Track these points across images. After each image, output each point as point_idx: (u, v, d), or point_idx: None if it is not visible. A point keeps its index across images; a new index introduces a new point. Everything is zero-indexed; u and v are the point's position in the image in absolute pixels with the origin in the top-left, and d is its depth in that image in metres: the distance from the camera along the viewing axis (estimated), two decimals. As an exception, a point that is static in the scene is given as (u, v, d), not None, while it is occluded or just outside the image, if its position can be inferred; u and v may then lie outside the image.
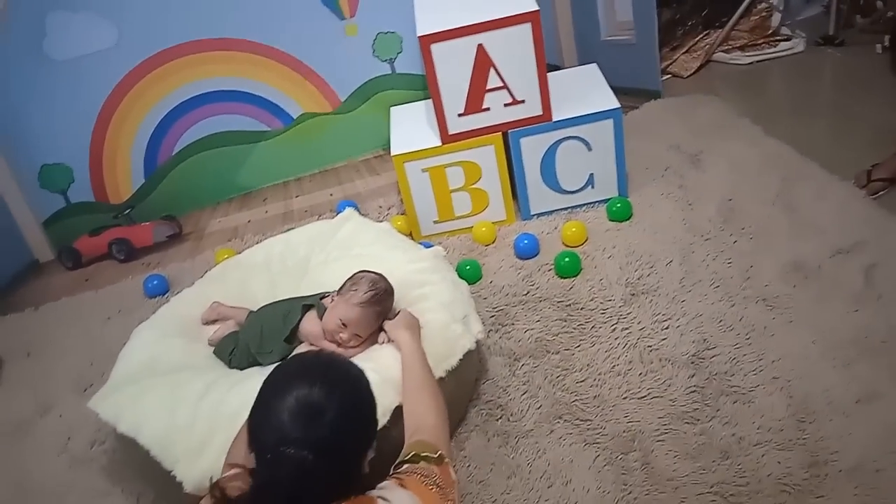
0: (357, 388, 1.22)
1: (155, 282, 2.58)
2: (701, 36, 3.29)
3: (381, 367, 1.65)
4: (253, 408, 1.17)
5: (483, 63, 2.21)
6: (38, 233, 2.95)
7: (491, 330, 2.08)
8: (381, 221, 2.63)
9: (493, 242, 2.46)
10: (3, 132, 2.78)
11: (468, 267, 2.29)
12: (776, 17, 3.29)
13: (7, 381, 2.36)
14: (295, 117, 2.99)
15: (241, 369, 1.87)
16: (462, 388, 1.84)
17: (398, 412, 1.59)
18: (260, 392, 1.17)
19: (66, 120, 2.81)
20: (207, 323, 2.03)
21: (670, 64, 3.24)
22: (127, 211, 2.91)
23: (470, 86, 2.26)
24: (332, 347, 1.77)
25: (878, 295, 1.91)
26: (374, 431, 1.24)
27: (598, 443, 1.72)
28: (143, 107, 2.85)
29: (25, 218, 2.92)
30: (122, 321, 2.44)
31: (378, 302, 1.76)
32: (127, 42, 2.72)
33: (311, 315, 1.83)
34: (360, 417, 1.20)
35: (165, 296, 2.53)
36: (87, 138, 2.86)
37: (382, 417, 1.58)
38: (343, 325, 1.74)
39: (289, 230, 2.39)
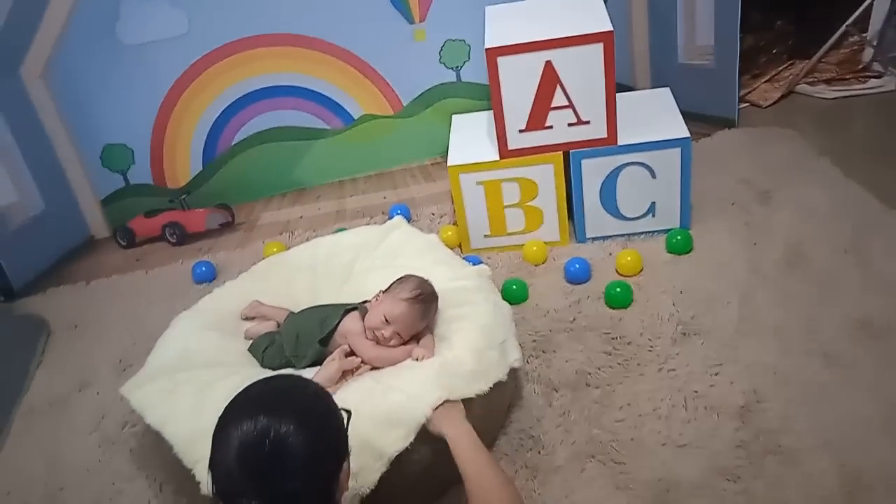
0: (314, 415, 1.13)
1: (203, 268, 2.60)
2: (786, 66, 3.15)
3: (405, 383, 1.62)
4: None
5: (550, 80, 2.15)
6: (96, 210, 3.02)
7: (531, 356, 2.02)
8: (432, 228, 2.62)
9: (543, 263, 2.39)
10: (71, 109, 2.84)
11: (514, 286, 2.23)
12: (868, 52, 3.12)
13: (52, 353, 2.41)
14: (356, 118, 2.97)
15: (274, 369, 1.86)
16: (493, 414, 1.78)
17: (423, 433, 1.55)
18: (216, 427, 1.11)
19: (132, 103, 2.86)
20: (246, 318, 2.03)
21: (749, 92, 3.10)
22: (183, 196, 2.95)
23: (534, 102, 2.19)
24: (369, 345, 1.74)
25: (950, 365, 1.77)
26: (342, 455, 1.16)
27: (630, 489, 1.64)
28: (207, 96, 2.88)
29: (85, 194, 2.99)
30: (167, 304, 2.46)
31: (423, 300, 1.75)
32: (197, 31, 2.75)
33: (354, 315, 1.83)
34: (320, 452, 1.11)
35: (212, 282, 2.55)
36: (150, 122, 2.90)
37: (406, 438, 1.54)
38: (386, 321, 1.73)
39: (338, 230, 2.38)
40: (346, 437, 1.18)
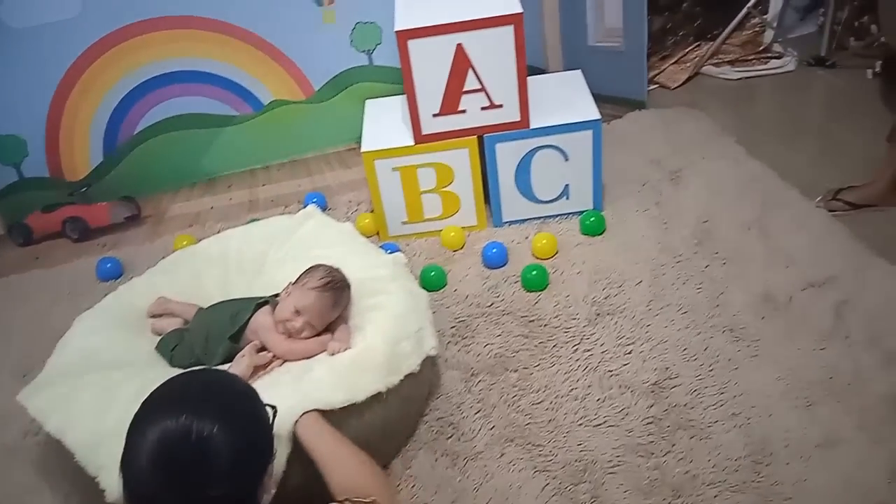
0: (241, 414, 1.07)
1: (108, 265, 2.49)
2: (692, 47, 3.23)
3: (314, 379, 1.59)
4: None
5: (461, 63, 2.13)
6: (-13, 206, 2.84)
7: (450, 342, 2.02)
8: (349, 217, 2.58)
9: (461, 248, 2.38)
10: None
11: (433, 273, 2.22)
12: (769, 34, 3.23)
13: (-55, 360, 2.26)
14: (265, 103, 2.88)
15: (184, 368, 1.79)
16: (410, 403, 1.77)
17: (336, 425, 1.53)
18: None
19: (23, 90, 2.68)
20: (153, 316, 1.95)
21: (658, 74, 3.16)
22: (83, 189, 2.80)
23: (447, 86, 2.17)
24: (281, 339, 1.70)
25: (846, 334, 1.86)
26: (268, 457, 1.10)
27: (548, 470, 1.66)
28: (105, 82, 2.73)
29: (-25, 190, 2.80)
30: (70, 304, 2.35)
31: (333, 289, 1.73)
32: (91, 13, 2.59)
33: (265, 309, 1.79)
34: (247, 454, 1.04)
35: (119, 280, 2.44)
36: (43, 111, 2.73)
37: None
38: (297, 312, 1.70)
39: (251, 221, 2.31)
40: (272, 436, 1.12)
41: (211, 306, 1.91)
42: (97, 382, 1.66)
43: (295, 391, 1.56)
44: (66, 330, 1.89)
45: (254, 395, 1.14)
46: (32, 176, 2.84)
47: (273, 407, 1.15)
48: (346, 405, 1.54)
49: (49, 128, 2.76)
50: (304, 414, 1.45)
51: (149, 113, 2.81)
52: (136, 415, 1.03)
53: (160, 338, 1.88)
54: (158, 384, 1.61)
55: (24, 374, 2.11)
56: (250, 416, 1.09)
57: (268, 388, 1.55)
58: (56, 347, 1.85)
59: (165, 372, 1.77)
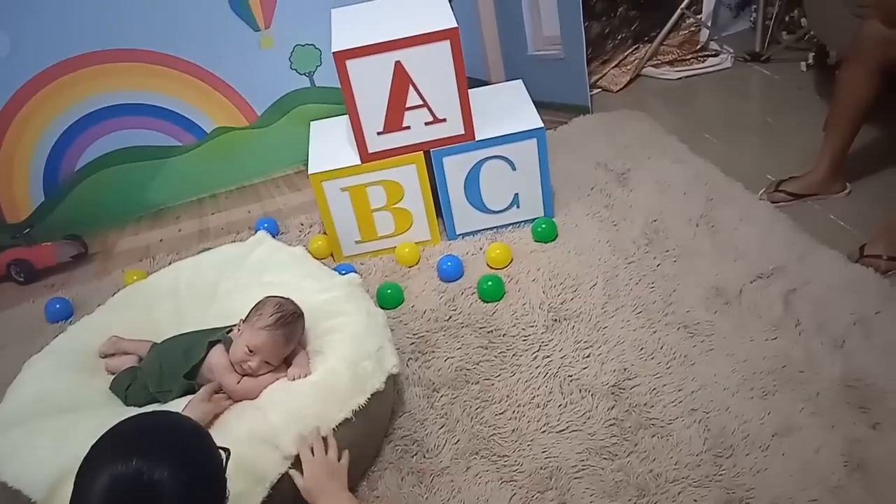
0: (193, 457, 1.05)
1: (58, 305, 2.43)
2: (631, 50, 3.28)
3: (280, 404, 1.59)
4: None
5: (402, 80, 2.13)
6: (-72, 253, 2.74)
7: (410, 359, 2.01)
8: (302, 240, 2.56)
9: (416, 264, 2.38)
10: None
11: (389, 290, 2.21)
12: (704, 33, 3.29)
13: None
14: (208, 131, 2.84)
15: (140, 406, 1.76)
16: (376, 423, 1.76)
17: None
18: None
19: (-45, 134, 2.61)
20: (105, 356, 1.91)
21: (600, 78, 3.21)
22: (26, 230, 2.72)
23: (388, 103, 2.17)
24: (234, 382, 1.68)
25: (796, 322, 1.90)
26: (221, 501, 1.08)
27: (514, 480, 1.67)
28: (40, 121, 2.66)
29: (-88, 237, 2.71)
30: (20, 349, 2.27)
31: (285, 324, 1.70)
32: (21, 52, 2.51)
33: (219, 348, 1.75)
34: (199, 500, 1.03)
35: (69, 320, 2.38)
36: (-21, 153, 2.67)
37: (285, 461, 1.51)
38: (251, 351, 1.67)
39: (202, 251, 2.28)
40: (225, 479, 1.10)
41: (164, 342, 1.87)
42: (52, 425, 1.63)
43: (265, 425, 1.55)
44: (16, 375, 1.84)
45: (206, 436, 1.12)
46: (-29, 220, 2.76)
47: (226, 449, 1.13)
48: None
49: (-14, 171, 2.70)
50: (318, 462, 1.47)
51: (89, 148, 2.75)
52: (86, 458, 1.01)
53: (114, 377, 1.84)
54: (115, 422, 1.60)
55: (-26, 425, 2.05)
56: (203, 458, 1.07)
57: (234, 425, 1.55)
58: (6, 393, 1.80)
59: (121, 411, 1.73)
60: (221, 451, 1.12)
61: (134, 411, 1.72)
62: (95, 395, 1.80)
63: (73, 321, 2.31)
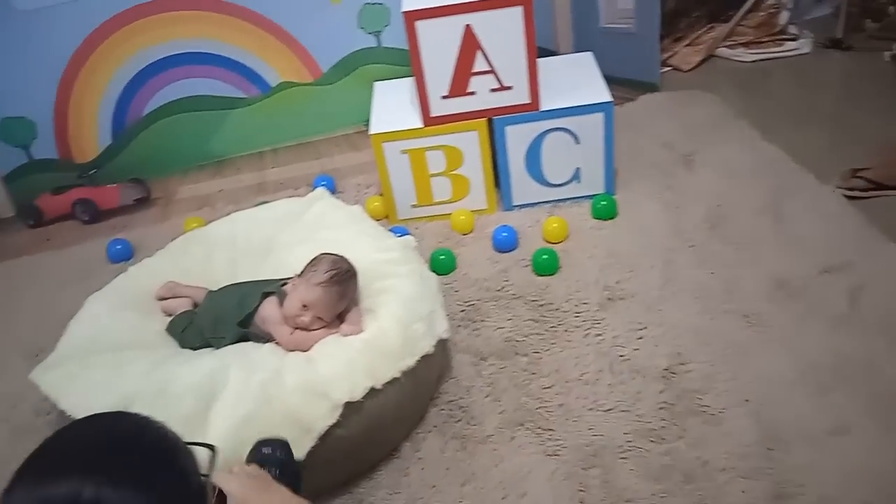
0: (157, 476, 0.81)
1: (119, 246, 2.49)
2: (705, 29, 3.18)
3: (331, 357, 1.61)
4: None
5: (470, 45, 2.10)
6: (-2, 187, 2.84)
7: (460, 326, 2.00)
8: (358, 199, 2.56)
9: (471, 232, 2.36)
10: (-38, 82, 2.65)
11: (442, 256, 2.20)
12: (784, 15, 3.17)
13: (-43, 340, 2.27)
14: (273, 85, 2.86)
15: (193, 349, 1.80)
16: (422, 386, 1.76)
17: (349, 408, 1.53)
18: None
19: (30, 73, 2.67)
20: (162, 300, 1.95)
21: (671, 56, 3.12)
22: (92, 171, 2.80)
23: (455, 68, 2.15)
24: (287, 334, 1.70)
25: (861, 320, 1.84)
26: None
27: (558, 455, 1.65)
28: (112, 64, 2.71)
29: (-15, 172, 2.81)
30: (81, 285, 2.34)
31: (339, 282, 1.71)
32: (95, -4, 2.59)
33: (272, 300, 1.77)
34: None
35: (129, 261, 2.44)
36: (52, 93, 2.72)
37: (333, 412, 1.52)
38: (304, 307, 1.69)
39: (260, 203, 2.31)
40: (201, 488, 0.87)
41: (219, 289, 1.91)
42: (108, 361, 1.67)
43: (315, 376, 1.57)
44: (76, 311, 1.90)
45: (173, 443, 0.87)
46: (42, 158, 2.84)
47: (211, 447, 0.93)
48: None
49: (57, 109, 2.76)
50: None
51: (157, 94, 2.80)
52: (12, 478, 0.79)
53: (170, 319, 1.88)
54: (169, 362, 1.64)
55: (36, 354, 2.11)
56: (165, 472, 0.83)
57: (284, 376, 1.57)
58: (67, 328, 1.85)
59: (175, 353, 1.78)
60: (207, 450, 0.93)
61: (187, 353, 1.76)
62: (151, 335, 1.84)
63: (133, 263, 2.37)
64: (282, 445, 1.20)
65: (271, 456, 1.19)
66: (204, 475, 0.89)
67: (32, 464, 0.80)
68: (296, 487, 1.11)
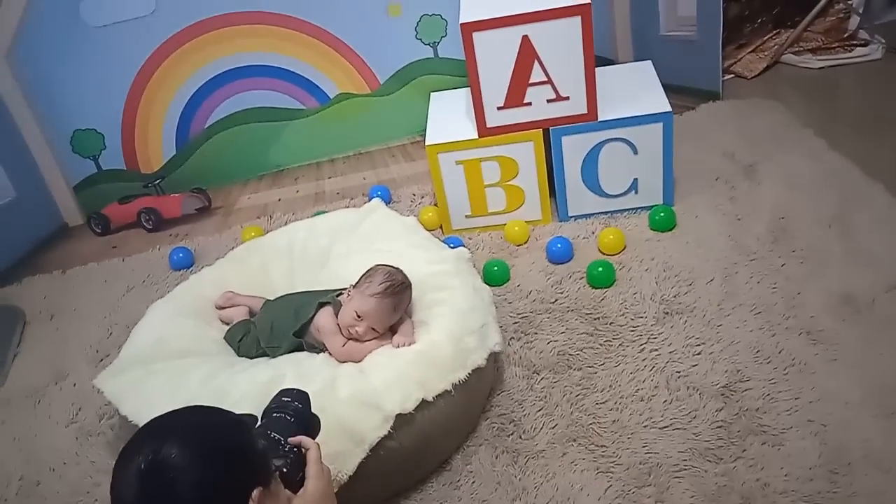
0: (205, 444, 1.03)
1: (180, 254, 2.56)
2: (770, 35, 3.09)
3: (383, 369, 1.61)
4: None
5: (527, 56, 2.09)
6: (68, 197, 2.95)
7: (512, 338, 1.99)
8: (413, 210, 2.58)
9: (525, 243, 2.35)
10: (37, 96, 2.77)
11: (496, 268, 2.19)
12: (854, 20, 3.06)
13: (28, 343, 2.37)
14: (331, 97, 2.91)
15: (250, 358, 1.84)
16: (474, 399, 1.76)
17: (400, 420, 1.54)
18: None
19: (100, 86, 2.78)
20: (220, 308, 2.00)
21: (734, 63, 3.05)
22: (157, 181, 2.90)
23: (512, 78, 2.14)
24: (339, 345, 1.72)
25: (933, 339, 1.75)
26: (246, 488, 1.04)
27: (611, 472, 1.62)
28: (176, 78, 2.81)
29: (57, 181, 2.92)
30: (144, 292, 2.44)
31: (394, 293, 1.72)
32: (164, 11, 2.67)
33: (328, 310, 1.79)
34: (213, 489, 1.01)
35: (190, 269, 2.51)
36: (119, 106, 2.83)
37: (385, 424, 1.53)
38: (359, 317, 1.71)
39: (317, 213, 2.34)
40: (256, 464, 1.08)
41: (276, 299, 1.94)
42: (169, 368, 1.72)
43: (367, 387, 1.59)
44: (139, 317, 1.96)
45: (238, 423, 1.11)
46: (109, 168, 2.95)
47: (253, 416, 1.21)
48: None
49: (125, 122, 2.86)
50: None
51: (219, 107, 2.88)
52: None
53: (228, 328, 1.92)
54: (227, 370, 1.68)
55: (101, 359, 2.20)
56: (214, 434, 1.07)
57: (337, 387, 1.59)
58: (130, 334, 1.92)
59: (232, 360, 1.82)
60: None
61: (245, 362, 1.80)
62: (210, 344, 1.89)
63: (194, 271, 2.44)
64: (301, 395, 1.28)
65: (290, 403, 1.29)
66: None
67: (133, 437, 1.06)
68: (310, 434, 1.25)
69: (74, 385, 2.13)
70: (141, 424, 1.58)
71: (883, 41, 3.01)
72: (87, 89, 2.77)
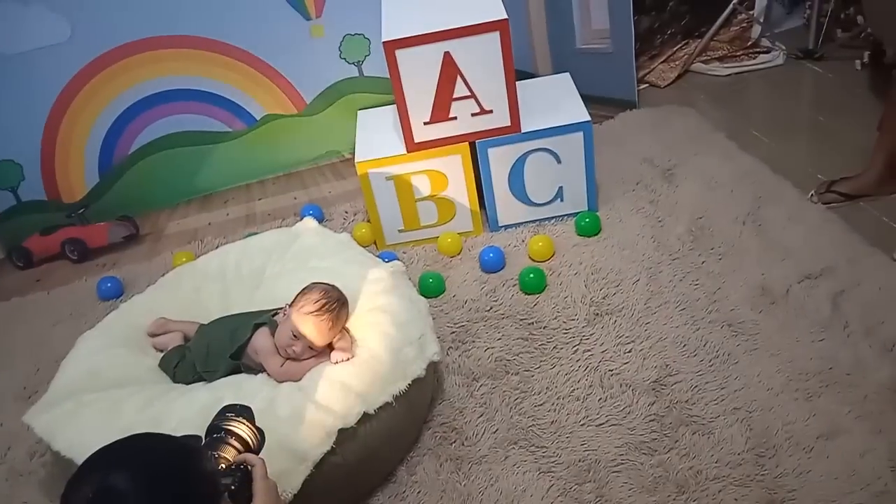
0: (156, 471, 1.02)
1: (109, 284, 2.49)
2: (680, 45, 3.24)
3: (323, 386, 1.62)
4: None
5: (450, 71, 2.14)
6: (-14, 231, 2.84)
7: (451, 348, 2.02)
8: (346, 227, 2.59)
9: (458, 254, 2.39)
10: (-50, 127, 2.66)
11: (431, 280, 2.23)
12: (756, 29, 3.24)
13: (-50, 385, 2.27)
14: (258, 118, 2.89)
15: (186, 384, 1.81)
16: (416, 410, 1.78)
17: (343, 434, 1.55)
18: None
19: (16, 116, 2.69)
20: (153, 336, 1.96)
21: (648, 73, 3.18)
22: (80, 210, 2.81)
23: (436, 94, 2.18)
24: (278, 365, 1.71)
25: (844, 324, 1.87)
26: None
27: (552, 472, 1.67)
28: (97, 104, 2.74)
29: (-27, 216, 2.81)
30: (72, 325, 2.36)
31: (330, 311, 1.72)
32: (80, 37, 2.61)
33: (264, 331, 1.78)
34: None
35: (119, 299, 2.45)
36: (38, 135, 2.74)
37: (328, 440, 1.53)
38: (295, 336, 1.70)
39: (249, 235, 2.32)
40: (205, 486, 1.09)
41: (211, 322, 1.92)
42: (102, 400, 1.68)
43: (307, 405, 1.58)
44: (68, 350, 1.91)
45: (186, 447, 1.12)
46: (30, 199, 2.84)
47: (197, 437, 1.21)
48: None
49: (44, 151, 2.77)
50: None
51: (143, 132, 2.83)
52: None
53: (162, 354, 1.89)
54: (163, 398, 1.65)
55: (29, 396, 2.12)
56: (168, 473, 1.05)
57: (277, 406, 1.58)
58: (60, 367, 1.86)
59: (168, 388, 1.78)
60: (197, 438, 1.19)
61: (181, 388, 1.77)
62: (144, 372, 1.85)
63: (124, 300, 2.38)
64: (244, 410, 1.28)
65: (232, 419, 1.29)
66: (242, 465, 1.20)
67: (79, 468, 1.04)
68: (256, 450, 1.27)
69: (2, 425, 2.06)
70: (75, 459, 1.57)
71: (783, 48, 3.18)
72: (2, 119, 2.68)
